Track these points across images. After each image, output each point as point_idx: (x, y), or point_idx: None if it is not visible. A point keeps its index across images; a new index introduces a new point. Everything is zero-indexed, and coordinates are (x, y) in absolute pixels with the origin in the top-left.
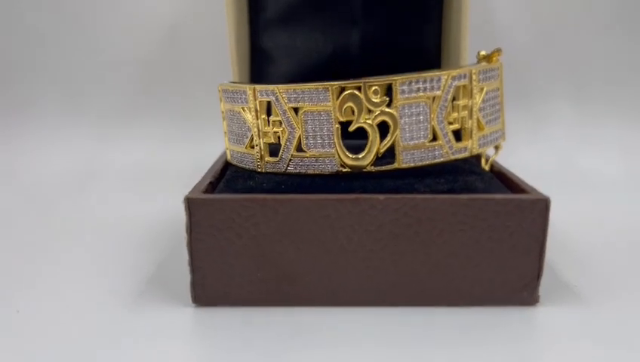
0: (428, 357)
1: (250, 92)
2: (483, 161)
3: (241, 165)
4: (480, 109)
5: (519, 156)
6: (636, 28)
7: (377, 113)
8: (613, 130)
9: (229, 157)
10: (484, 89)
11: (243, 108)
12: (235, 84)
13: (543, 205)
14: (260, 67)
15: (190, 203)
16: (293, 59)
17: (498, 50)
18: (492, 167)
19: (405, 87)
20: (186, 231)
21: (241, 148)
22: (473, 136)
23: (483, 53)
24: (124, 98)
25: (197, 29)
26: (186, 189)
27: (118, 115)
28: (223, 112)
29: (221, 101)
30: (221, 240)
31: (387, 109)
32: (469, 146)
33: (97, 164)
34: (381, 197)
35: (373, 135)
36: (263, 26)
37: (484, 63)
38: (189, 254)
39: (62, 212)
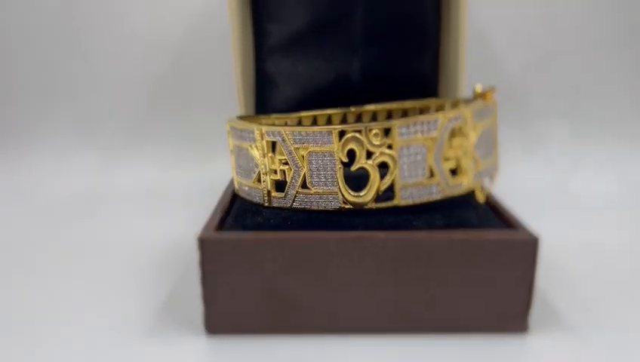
0: None
1: (257, 132)
2: (478, 193)
3: (248, 198)
4: (475, 147)
5: (516, 174)
6: (628, 51)
7: (378, 154)
8: (607, 149)
9: (236, 187)
10: (479, 127)
11: (250, 146)
12: (243, 123)
13: (532, 245)
14: (265, 92)
15: (203, 243)
16: (296, 85)
17: (492, 89)
18: (487, 198)
19: (404, 130)
20: (199, 267)
21: (249, 182)
22: (468, 172)
23: (479, 89)
24: (131, 121)
25: (203, 52)
26: (193, 211)
27: (126, 138)
28: (231, 147)
29: (229, 136)
30: (232, 275)
31: (387, 151)
32: (465, 182)
33: (105, 185)
34: (381, 235)
35: (374, 174)
36: (267, 53)
37: (479, 103)
38: (202, 287)
39: (72, 236)
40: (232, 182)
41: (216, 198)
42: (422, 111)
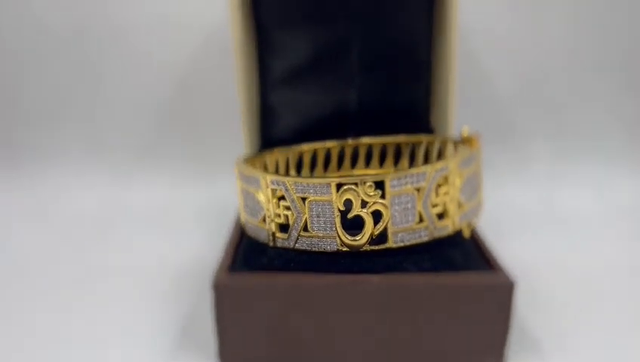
0: None
1: (263, 181)
2: (464, 230)
3: (254, 236)
4: (460, 192)
5: (504, 192)
6: (610, 74)
7: (371, 203)
8: (589, 167)
9: (243, 222)
10: (464, 174)
11: (256, 191)
12: (250, 169)
13: (509, 288)
14: (268, 121)
15: (216, 288)
16: (297, 115)
17: (477, 135)
18: (472, 232)
19: (395, 183)
20: (213, 307)
21: (255, 222)
22: (454, 215)
23: (465, 133)
24: (141, 143)
25: (211, 78)
26: (203, 230)
27: (137, 159)
28: (239, 189)
29: (237, 179)
30: (242, 313)
31: (380, 200)
32: (451, 224)
33: (117, 206)
34: (375, 279)
35: (369, 221)
36: (270, 85)
37: (465, 152)
38: (216, 324)
39: (86, 257)
40: (237, 210)
41: (224, 218)
42: (414, 145)
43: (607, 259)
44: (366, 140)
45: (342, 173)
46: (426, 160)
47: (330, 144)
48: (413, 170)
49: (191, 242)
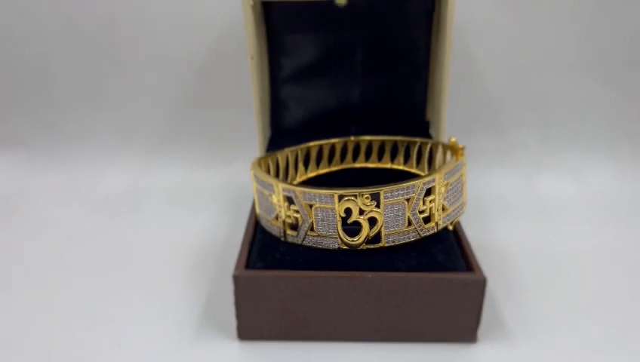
0: None
1: (276, 187)
2: (448, 226)
3: (268, 229)
4: (444, 198)
5: (489, 178)
6: (590, 68)
7: (368, 211)
8: (569, 155)
9: (258, 214)
10: (450, 182)
11: (270, 195)
12: (265, 175)
13: (481, 284)
14: (278, 112)
15: (236, 279)
16: (305, 108)
17: (462, 147)
18: (455, 226)
19: (389, 195)
20: (234, 295)
21: (269, 218)
22: (438, 218)
23: (453, 140)
24: (164, 128)
25: (228, 70)
26: (224, 209)
27: (160, 142)
28: (254, 190)
29: (253, 181)
30: (258, 299)
31: (375, 209)
32: (435, 225)
33: (143, 186)
34: (369, 274)
35: (365, 226)
36: (280, 82)
37: (450, 164)
38: (235, 308)
39: (114, 235)
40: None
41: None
42: (409, 143)
43: (583, 243)
44: (366, 138)
45: (344, 166)
46: (419, 158)
47: (334, 140)
48: (404, 184)
49: (210, 221)
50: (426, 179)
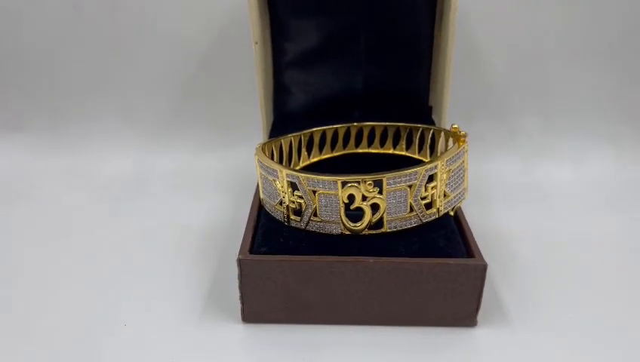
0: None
1: (280, 173)
2: (450, 212)
3: (271, 213)
4: (446, 185)
5: (491, 164)
6: (591, 58)
7: (371, 198)
8: (570, 142)
9: (261, 199)
10: (452, 169)
11: (274, 180)
12: (269, 161)
13: (481, 269)
14: (281, 97)
15: (241, 263)
16: (308, 94)
17: (465, 133)
18: (456, 212)
19: (391, 181)
20: (238, 278)
21: (273, 203)
22: (440, 204)
23: (455, 126)
24: (168, 112)
25: (231, 54)
26: (227, 192)
27: (165, 126)
28: (258, 174)
29: (257, 166)
30: (262, 283)
31: (378, 196)
32: (436, 211)
33: (147, 169)
34: (371, 259)
35: (368, 212)
36: (284, 67)
37: (452, 151)
38: (240, 291)
39: (119, 219)
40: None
41: (244, 180)
42: (411, 129)
43: (584, 229)
44: (369, 123)
45: (347, 151)
46: (421, 144)
47: (337, 126)
48: (407, 171)
49: (214, 204)
50: (429, 166)
